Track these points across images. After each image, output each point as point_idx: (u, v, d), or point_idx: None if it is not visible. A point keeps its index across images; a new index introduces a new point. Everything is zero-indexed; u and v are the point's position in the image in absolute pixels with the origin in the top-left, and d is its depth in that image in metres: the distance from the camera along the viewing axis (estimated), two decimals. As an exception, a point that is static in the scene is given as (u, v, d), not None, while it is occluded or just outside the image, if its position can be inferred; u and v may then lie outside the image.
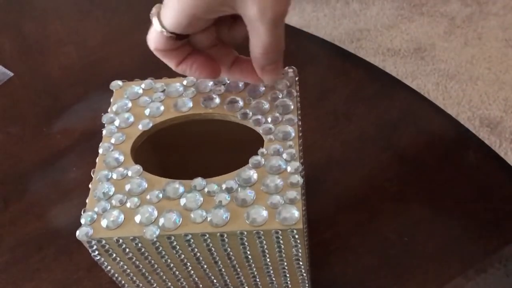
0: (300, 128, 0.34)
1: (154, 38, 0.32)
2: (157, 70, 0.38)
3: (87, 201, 0.32)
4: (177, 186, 0.32)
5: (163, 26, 0.31)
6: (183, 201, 0.31)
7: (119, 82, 0.38)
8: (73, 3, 0.78)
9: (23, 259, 0.48)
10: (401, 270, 0.43)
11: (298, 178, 0.31)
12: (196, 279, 0.36)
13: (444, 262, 0.43)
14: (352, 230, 0.46)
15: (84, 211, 0.31)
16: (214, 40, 0.34)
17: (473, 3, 0.66)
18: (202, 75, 0.34)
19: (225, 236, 0.30)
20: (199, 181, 0.31)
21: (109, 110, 0.37)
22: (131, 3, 0.75)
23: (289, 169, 0.31)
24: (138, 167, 0.33)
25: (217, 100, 0.36)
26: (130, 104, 0.37)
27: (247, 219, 0.29)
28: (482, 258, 0.42)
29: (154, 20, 0.31)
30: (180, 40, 0.32)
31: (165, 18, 0.31)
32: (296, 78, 0.36)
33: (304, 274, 0.35)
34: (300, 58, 0.62)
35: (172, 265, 0.33)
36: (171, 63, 0.34)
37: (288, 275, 0.35)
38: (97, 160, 0.34)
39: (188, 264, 0.33)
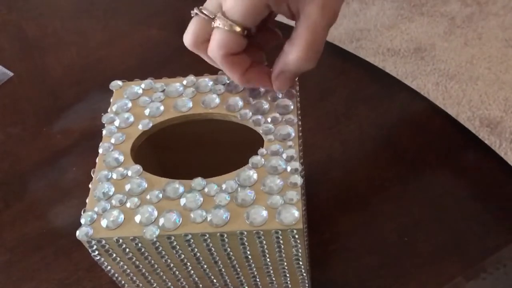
0: (300, 128, 0.34)
1: (223, 40, 0.30)
2: (157, 70, 0.38)
3: (87, 201, 0.32)
4: (177, 186, 0.32)
5: (233, 21, 0.29)
6: (183, 201, 0.31)
7: (119, 82, 0.38)
8: (73, 3, 0.78)
9: (23, 259, 0.48)
10: (401, 270, 0.43)
11: (298, 178, 0.31)
12: (196, 279, 0.36)
13: (444, 262, 0.43)
14: (352, 230, 0.45)
15: (84, 211, 0.31)
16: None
17: (473, 3, 0.66)
18: (268, 85, 0.34)
19: (225, 236, 0.30)
20: (199, 181, 0.32)
21: (109, 110, 0.37)
22: (131, 3, 0.75)
23: (289, 169, 0.31)
24: (138, 167, 0.33)
25: (217, 100, 0.36)
26: (130, 104, 0.37)
27: (247, 219, 0.29)
28: (482, 258, 0.42)
29: (220, 21, 0.30)
30: (247, 38, 0.31)
31: (235, 10, 0.29)
32: (296, 78, 0.36)
33: (304, 274, 0.35)
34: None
35: (172, 265, 0.33)
36: (237, 72, 0.32)
37: (288, 275, 0.35)
38: (97, 160, 0.34)
39: (188, 264, 0.33)
